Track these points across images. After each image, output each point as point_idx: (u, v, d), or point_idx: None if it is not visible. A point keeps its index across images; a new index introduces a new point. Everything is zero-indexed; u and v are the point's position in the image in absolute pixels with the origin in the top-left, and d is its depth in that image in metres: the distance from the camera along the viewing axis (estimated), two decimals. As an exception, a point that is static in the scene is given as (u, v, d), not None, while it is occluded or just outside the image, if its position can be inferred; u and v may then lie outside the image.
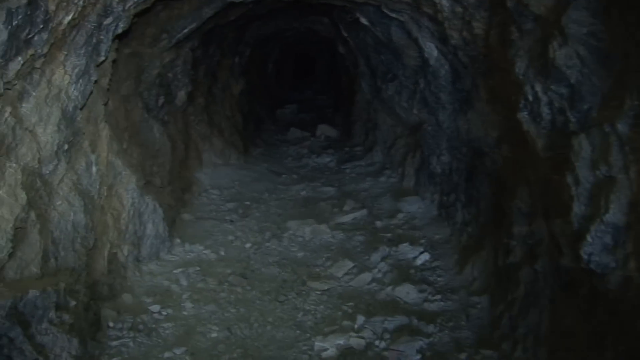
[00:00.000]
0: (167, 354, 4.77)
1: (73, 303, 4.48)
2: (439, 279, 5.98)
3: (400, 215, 7.83)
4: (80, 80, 4.67)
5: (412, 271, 6.17)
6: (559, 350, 3.86)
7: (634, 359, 3.01)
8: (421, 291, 5.68)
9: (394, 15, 6.98)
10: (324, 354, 4.80)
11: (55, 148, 4.41)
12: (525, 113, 3.96)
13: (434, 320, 5.18)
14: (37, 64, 4.10)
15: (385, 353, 4.76)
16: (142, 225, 6.32)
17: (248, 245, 7.20)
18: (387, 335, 4.97)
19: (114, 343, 4.83)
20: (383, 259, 6.47)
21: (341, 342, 4.89)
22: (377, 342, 4.89)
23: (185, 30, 7.50)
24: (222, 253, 6.95)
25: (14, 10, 3.53)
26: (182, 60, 8.59)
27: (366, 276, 6.09)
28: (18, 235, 4.04)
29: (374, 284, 5.98)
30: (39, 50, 3.97)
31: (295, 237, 7.41)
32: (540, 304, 4.28)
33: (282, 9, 10.74)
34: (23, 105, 4.10)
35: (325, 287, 5.96)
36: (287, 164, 12.13)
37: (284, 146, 13.89)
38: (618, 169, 3.00)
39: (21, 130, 4.08)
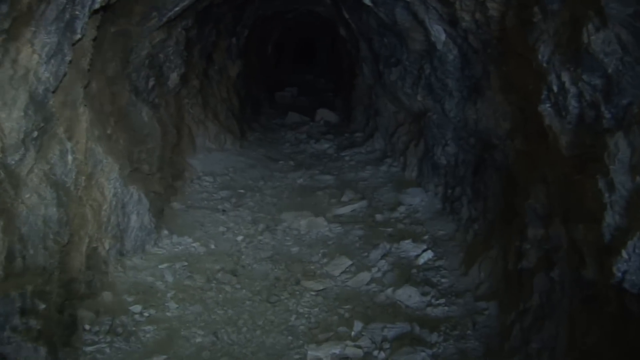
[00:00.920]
0: (145, 362, 4.38)
1: (43, 306, 4.08)
2: (442, 280, 5.56)
3: (402, 208, 7.40)
4: (52, 60, 4.20)
5: (414, 271, 5.75)
6: (579, 372, 3.46)
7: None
8: (424, 294, 5.26)
9: (399, -6, 6.52)
10: (318, 365, 4.41)
11: (22, 135, 3.96)
12: (548, 105, 3.52)
13: (438, 328, 4.76)
14: (-2, 41, 3.65)
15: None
16: (126, 216, 5.90)
17: (240, 237, 6.79)
18: (386, 345, 4.55)
19: (89, 349, 4.42)
20: (383, 256, 6.05)
21: (336, 351, 4.47)
22: (375, 353, 4.47)
23: (177, 8, 7.02)
24: (212, 246, 6.54)
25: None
26: (175, 40, 8.11)
27: (365, 276, 5.67)
28: (-23, 233, 3.62)
29: (373, 285, 5.56)
30: None
31: (290, 230, 6.99)
32: (556, 317, 3.87)
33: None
34: (-17, 87, 3.66)
35: (321, 287, 5.55)
36: (285, 149, 11.70)
37: (282, 131, 13.46)
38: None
39: (-19, 116, 3.64)
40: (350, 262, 5.95)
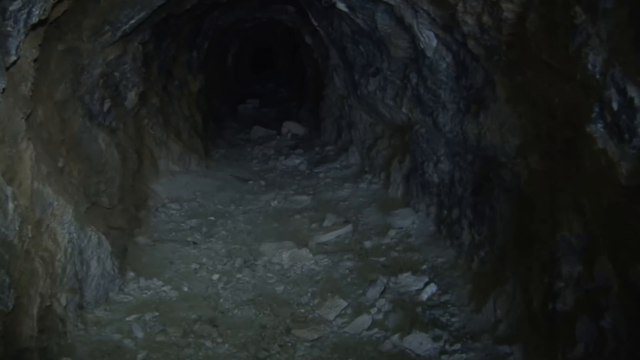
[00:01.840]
0: None
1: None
2: (453, 319, 4.90)
3: (392, 233, 6.73)
4: (-19, 91, 3.42)
5: (419, 309, 5.08)
6: None
7: None
8: (435, 339, 4.58)
9: (382, -2, 5.88)
10: None
11: (-54, 187, 3.17)
12: (601, 126, 2.88)
13: (459, 383, 4.10)
14: None
15: None
16: (85, 264, 5.09)
17: (216, 276, 6.02)
18: (403, 411, 3.87)
19: None
20: (381, 294, 5.34)
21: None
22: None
23: (132, 21, 6.25)
24: (185, 288, 5.77)
25: None
26: (131, 56, 7.31)
27: (364, 319, 4.96)
28: None
29: (375, 330, 4.85)
30: None
31: (271, 264, 6.24)
32: (612, 375, 3.25)
33: (244, -5, 9.55)
34: None
35: (315, 336, 4.81)
36: (253, 167, 10.98)
37: (248, 146, 12.75)
38: None
39: None
40: (345, 303, 5.22)
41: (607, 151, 2.90)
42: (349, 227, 7.04)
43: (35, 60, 4.40)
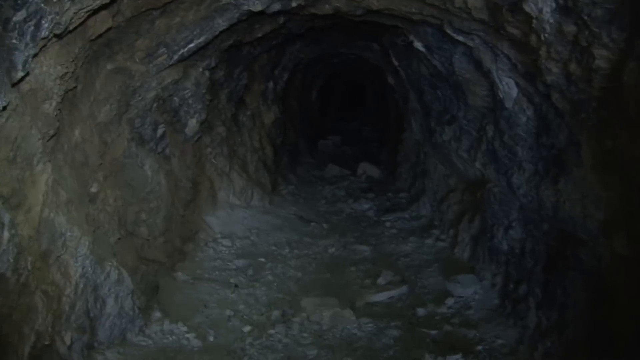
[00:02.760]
0: None
1: None
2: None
3: (450, 301, 5.94)
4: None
5: (464, 404, 4.31)
6: None
7: None
8: None
9: (460, 38, 5.25)
10: None
11: None
12: None
13: None
14: None
15: None
16: (100, 301, 4.67)
17: (247, 328, 5.48)
18: None
19: None
20: (425, 376, 4.62)
21: None
22: None
23: (191, 45, 5.90)
24: (211, 338, 5.26)
25: None
26: (193, 81, 7.00)
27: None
28: None
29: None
30: None
31: (309, 323, 5.61)
32: None
33: (325, 30, 9.11)
34: None
35: (338, 419, 4.16)
36: (319, 207, 10.44)
37: (320, 184, 12.26)
38: None
39: None
40: (380, 383, 4.54)
41: None
42: (404, 289, 6.33)
43: (62, 78, 4.04)
